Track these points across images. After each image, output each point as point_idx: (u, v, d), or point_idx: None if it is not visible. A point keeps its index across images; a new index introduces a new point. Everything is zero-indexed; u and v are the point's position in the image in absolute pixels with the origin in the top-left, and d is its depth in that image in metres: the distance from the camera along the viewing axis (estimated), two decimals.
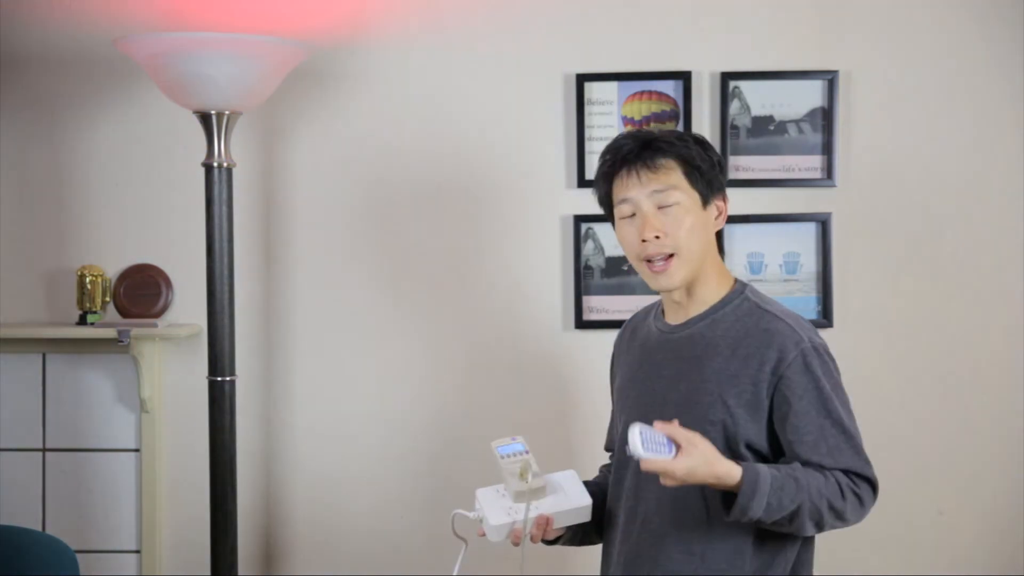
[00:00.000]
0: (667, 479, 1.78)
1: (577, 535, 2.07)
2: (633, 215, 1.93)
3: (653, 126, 2.99)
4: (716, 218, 1.97)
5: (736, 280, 1.99)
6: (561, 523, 1.97)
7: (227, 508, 2.87)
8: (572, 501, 1.96)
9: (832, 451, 1.85)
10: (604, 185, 1.98)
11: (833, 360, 1.92)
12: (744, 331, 1.90)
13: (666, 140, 1.94)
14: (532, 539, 1.95)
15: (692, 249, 1.91)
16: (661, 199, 1.91)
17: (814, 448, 1.85)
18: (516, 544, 1.94)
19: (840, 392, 1.90)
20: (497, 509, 1.93)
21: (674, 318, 1.99)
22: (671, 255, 1.90)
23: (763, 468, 1.80)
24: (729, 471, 1.78)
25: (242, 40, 2.70)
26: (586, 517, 1.99)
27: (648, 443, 1.77)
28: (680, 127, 2.98)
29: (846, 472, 1.85)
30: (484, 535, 1.96)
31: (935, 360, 3.03)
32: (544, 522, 1.93)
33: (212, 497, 2.87)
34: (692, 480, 1.78)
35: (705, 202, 1.94)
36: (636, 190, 1.91)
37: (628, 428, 1.78)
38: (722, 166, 1.99)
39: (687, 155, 1.92)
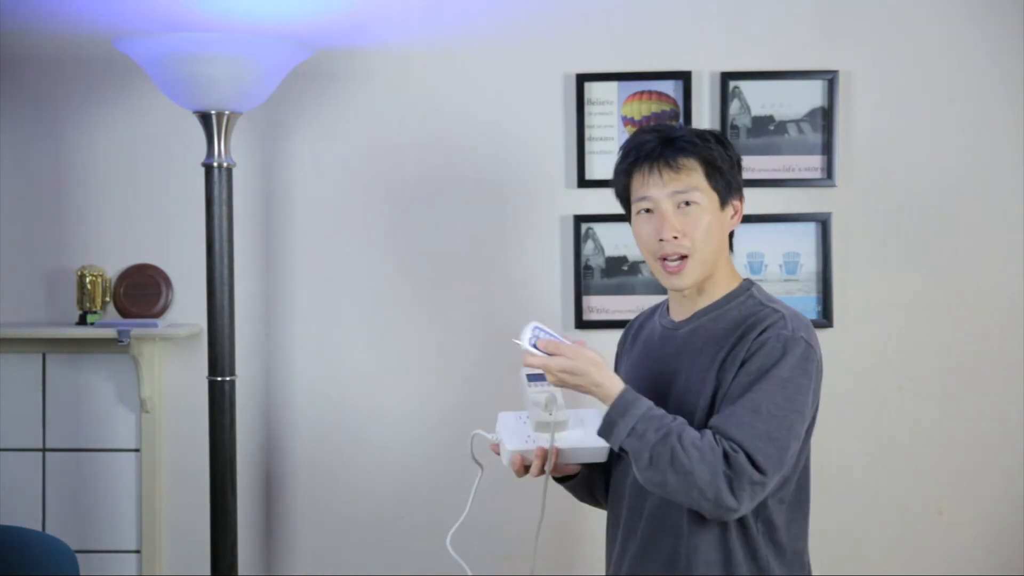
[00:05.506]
0: (549, 376, 1.84)
1: (584, 486, 2.06)
2: (650, 211, 1.93)
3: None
4: (732, 217, 1.97)
5: (744, 279, 1.99)
6: (577, 459, 1.95)
7: (227, 508, 2.87)
8: (592, 440, 1.91)
9: (730, 419, 1.79)
10: (623, 180, 1.97)
11: (811, 364, 1.85)
12: (742, 320, 1.90)
13: (688, 139, 1.92)
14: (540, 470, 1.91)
15: (707, 250, 1.92)
16: (681, 199, 1.90)
17: (721, 409, 1.82)
18: (521, 474, 1.91)
19: (790, 389, 1.81)
20: (516, 435, 1.92)
21: (679, 314, 1.99)
22: (685, 256, 1.91)
23: (644, 400, 1.82)
24: (612, 383, 1.82)
25: (242, 40, 2.71)
26: (603, 457, 1.95)
27: (538, 340, 1.85)
28: None
29: (729, 438, 1.77)
30: (499, 455, 1.94)
31: (935, 360, 3.03)
32: (555, 454, 1.89)
33: (212, 497, 2.88)
34: (570, 380, 1.82)
35: (723, 203, 1.94)
36: (656, 189, 1.91)
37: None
38: (740, 165, 1.98)
39: (709, 156, 1.91)
